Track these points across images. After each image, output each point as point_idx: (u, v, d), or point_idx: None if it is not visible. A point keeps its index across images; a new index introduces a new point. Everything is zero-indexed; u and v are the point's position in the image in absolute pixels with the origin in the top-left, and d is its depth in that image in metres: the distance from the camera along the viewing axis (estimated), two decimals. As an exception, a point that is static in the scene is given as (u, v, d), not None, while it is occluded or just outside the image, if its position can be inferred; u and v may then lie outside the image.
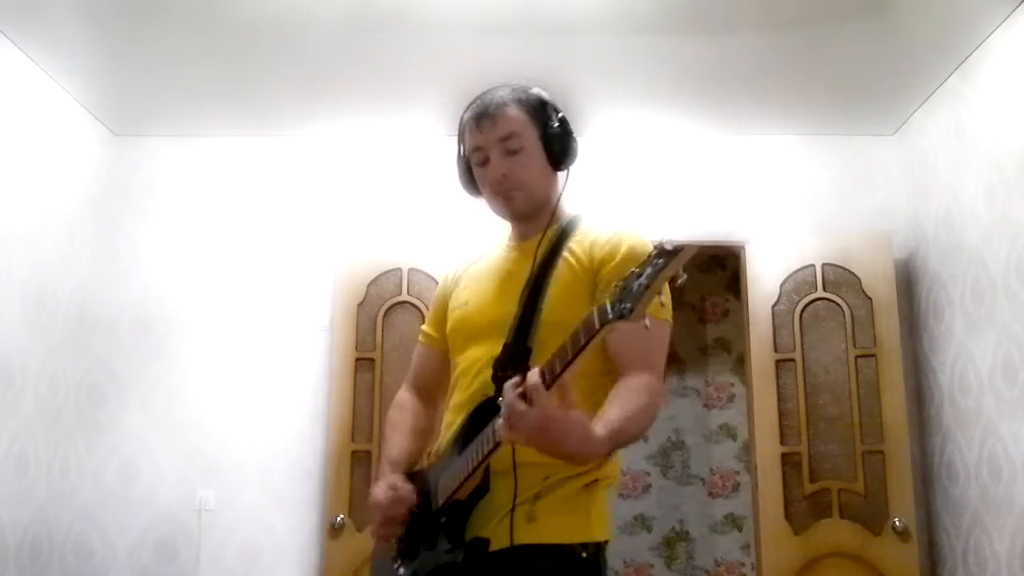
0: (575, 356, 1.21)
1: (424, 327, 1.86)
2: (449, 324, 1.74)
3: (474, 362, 1.60)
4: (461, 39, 3.24)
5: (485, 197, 1.70)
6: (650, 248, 1.54)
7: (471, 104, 1.68)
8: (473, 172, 1.70)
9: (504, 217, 1.72)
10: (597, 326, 1.16)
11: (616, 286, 1.15)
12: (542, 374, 1.25)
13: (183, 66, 3.46)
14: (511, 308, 1.57)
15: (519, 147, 1.62)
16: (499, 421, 1.28)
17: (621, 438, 1.37)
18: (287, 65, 3.45)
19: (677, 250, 1.10)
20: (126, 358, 3.88)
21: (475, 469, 1.44)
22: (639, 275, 1.12)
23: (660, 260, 1.11)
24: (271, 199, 4.05)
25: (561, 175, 1.70)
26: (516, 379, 1.26)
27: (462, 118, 1.69)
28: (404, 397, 1.84)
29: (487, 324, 1.60)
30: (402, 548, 1.58)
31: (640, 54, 3.36)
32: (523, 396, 1.24)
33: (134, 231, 4.01)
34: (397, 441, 1.73)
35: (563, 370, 1.23)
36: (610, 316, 1.14)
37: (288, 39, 3.25)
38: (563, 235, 1.64)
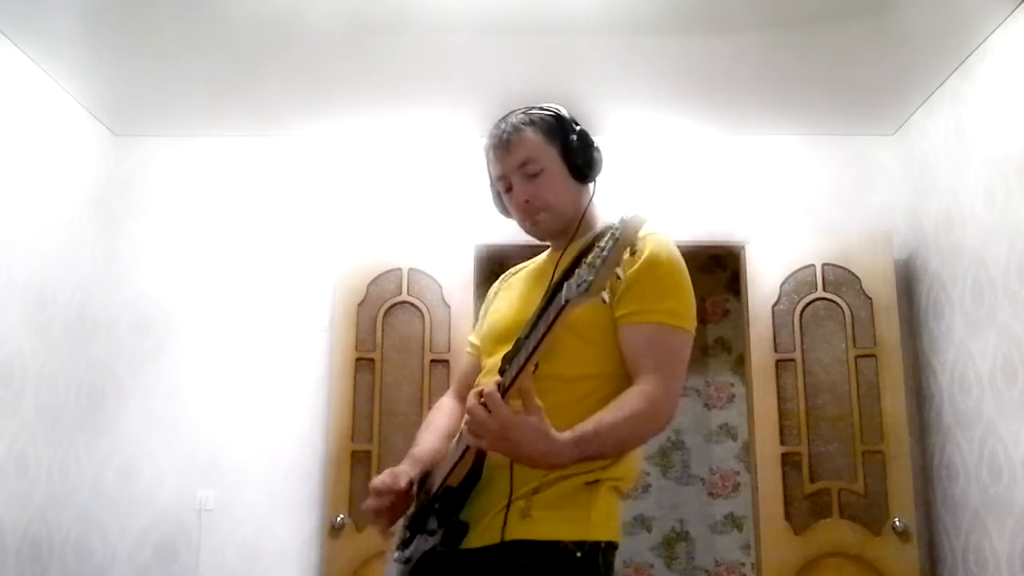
0: (545, 335, 1.25)
1: (470, 336, 1.90)
2: (482, 331, 1.77)
3: (494, 364, 1.61)
4: (461, 39, 3.24)
5: (516, 220, 1.71)
6: (672, 251, 1.54)
7: (489, 132, 1.69)
8: (503, 198, 1.72)
9: (536, 238, 1.73)
10: (563, 302, 1.20)
11: (583, 263, 1.19)
12: (499, 383, 1.30)
13: (183, 66, 3.46)
14: (531, 311, 1.58)
15: (539, 170, 1.62)
16: (464, 428, 1.33)
17: (596, 444, 1.37)
18: (287, 65, 3.45)
19: (628, 221, 1.14)
20: (126, 358, 3.88)
21: (462, 455, 1.45)
22: (602, 249, 1.16)
23: (618, 232, 1.14)
24: (271, 199, 4.05)
25: (589, 186, 1.70)
26: (479, 388, 1.30)
27: (483, 147, 1.71)
28: (445, 401, 1.87)
29: (510, 328, 1.62)
30: (406, 535, 1.59)
31: (640, 54, 3.36)
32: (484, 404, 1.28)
33: (134, 231, 4.01)
34: (425, 439, 1.74)
35: (534, 351, 1.27)
36: (574, 292, 1.17)
37: (288, 39, 3.25)
38: (592, 243, 1.64)
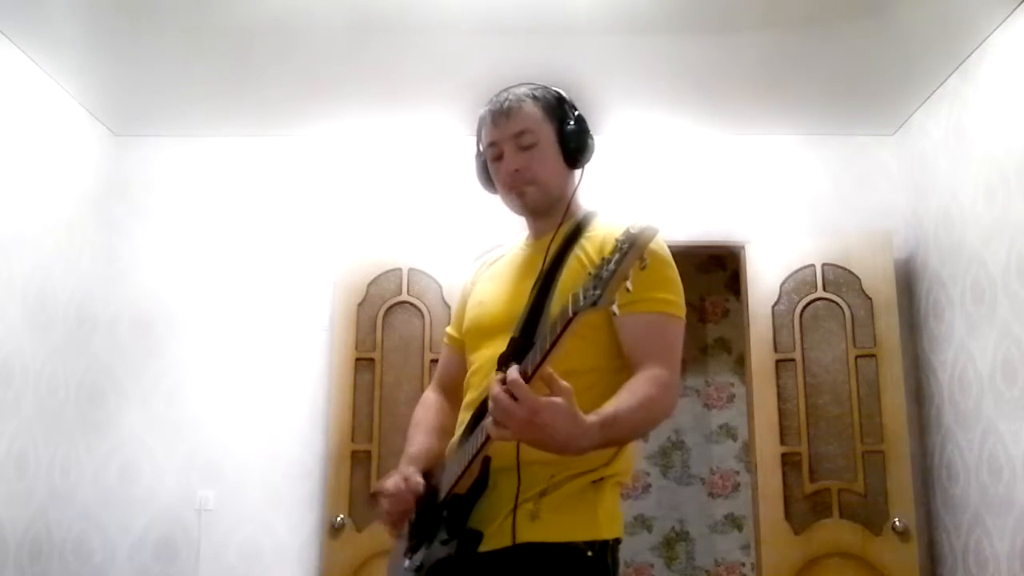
0: (552, 346, 1.23)
1: (448, 328, 1.87)
2: (465, 324, 1.74)
3: (486, 360, 1.60)
4: (461, 39, 3.24)
5: (500, 192, 1.70)
6: (658, 243, 1.54)
7: (489, 101, 1.68)
8: (489, 168, 1.70)
9: (518, 213, 1.71)
10: (570, 314, 1.19)
11: (590, 274, 1.18)
12: (523, 368, 1.26)
13: (183, 66, 3.46)
14: (522, 305, 1.57)
15: (533, 143, 1.63)
16: (488, 419, 1.29)
17: (616, 428, 1.35)
18: (287, 65, 3.45)
19: (638, 234, 1.13)
20: (126, 358, 3.88)
21: (470, 462, 1.44)
22: (609, 261, 1.15)
23: (626, 245, 1.14)
24: (271, 199, 4.05)
25: (577, 173, 1.69)
26: (502, 375, 1.27)
27: (480, 114, 1.69)
28: (429, 396, 1.85)
29: (499, 322, 1.60)
30: (412, 542, 1.58)
31: (640, 54, 3.36)
32: (508, 391, 1.25)
33: (134, 231, 4.01)
34: (418, 439, 1.72)
35: (543, 361, 1.24)
36: (582, 304, 1.17)
37: (288, 39, 3.25)
38: (576, 232, 1.64)
